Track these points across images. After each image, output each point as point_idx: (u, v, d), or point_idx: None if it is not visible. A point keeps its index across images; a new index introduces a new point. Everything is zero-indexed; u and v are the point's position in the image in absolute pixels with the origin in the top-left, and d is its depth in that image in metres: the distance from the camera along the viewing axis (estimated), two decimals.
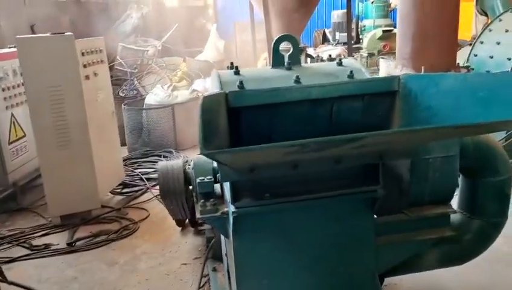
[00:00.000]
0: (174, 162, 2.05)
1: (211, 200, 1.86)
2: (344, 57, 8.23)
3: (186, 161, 2.09)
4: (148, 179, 4.45)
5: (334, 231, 1.75)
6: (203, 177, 1.90)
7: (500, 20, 4.28)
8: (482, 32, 4.37)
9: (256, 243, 1.73)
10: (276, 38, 1.80)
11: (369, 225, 1.78)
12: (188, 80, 7.03)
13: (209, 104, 1.15)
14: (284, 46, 1.87)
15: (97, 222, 3.59)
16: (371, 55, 11.85)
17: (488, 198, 2.04)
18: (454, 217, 2.05)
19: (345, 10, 13.12)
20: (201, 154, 1.10)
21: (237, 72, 1.74)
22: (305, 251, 1.74)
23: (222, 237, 2.22)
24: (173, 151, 5.35)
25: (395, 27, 12.48)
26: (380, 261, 1.87)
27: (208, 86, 6.73)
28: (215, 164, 1.90)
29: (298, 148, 1.05)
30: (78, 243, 3.28)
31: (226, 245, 2.07)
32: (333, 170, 1.61)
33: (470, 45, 4.65)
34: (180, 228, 3.39)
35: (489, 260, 2.67)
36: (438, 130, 1.09)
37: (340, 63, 1.82)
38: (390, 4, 13.82)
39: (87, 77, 3.52)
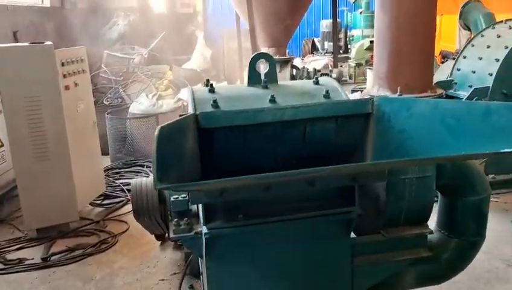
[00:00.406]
0: (148, 180, 2.00)
1: (185, 219, 1.82)
2: (331, 67, 8.27)
3: None
4: (129, 191, 4.37)
5: (309, 253, 1.72)
6: (177, 196, 1.86)
7: (482, 36, 4.32)
8: (465, 47, 4.40)
9: (229, 265, 1.69)
10: (252, 56, 1.77)
11: (345, 246, 1.75)
12: (174, 89, 6.99)
13: (165, 135, 1.12)
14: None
15: (75, 235, 3.52)
16: (358, 65, 11.97)
17: (466, 217, 2.03)
18: (433, 236, 2.04)
19: None
20: (156, 188, 1.06)
21: (212, 90, 1.71)
22: (279, 273, 1.71)
23: None
24: None
25: None
26: (356, 282, 1.84)
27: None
28: None
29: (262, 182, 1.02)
30: (53, 257, 3.20)
31: (201, 265, 2.03)
32: (308, 191, 1.58)
33: (454, 58, 4.69)
34: (160, 242, 3.34)
35: (470, 278, 2.68)
36: (402, 163, 1.07)
37: (316, 82, 1.80)
38: None
39: (67, 87, 3.46)
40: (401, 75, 1.61)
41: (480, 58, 4.10)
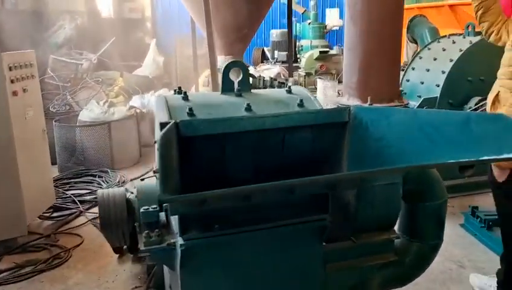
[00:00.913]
0: (115, 190, 1.92)
1: (156, 230, 1.76)
2: (284, 76, 8.40)
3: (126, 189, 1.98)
4: (81, 202, 4.18)
5: (285, 261, 1.72)
6: (147, 207, 1.80)
7: (429, 49, 4.59)
8: (413, 59, 4.65)
9: (205, 276, 1.66)
10: (226, 64, 1.76)
11: (319, 253, 1.77)
12: (126, 96, 6.78)
13: (165, 143, 1.08)
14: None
15: (24, 251, 3.29)
16: (308, 74, 12.28)
17: (426, 221, 2.13)
18: (396, 241, 2.11)
19: (284, 29, 13.48)
20: (160, 201, 1.01)
21: (185, 98, 1.67)
22: (256, 282, 1.70)
23: (165, 267, 2.12)
24: (109, 170, 5.09)
25: (331, 48, 13.08)
26: (329, 288, 1.87)
27: (146, 102, 6.54)
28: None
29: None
30: (0, 275, 2.97)
31: (171, 277, 1.97)
32: (284, 200, 1.59)
33: (402, 70, 4.94)
34: (118, 255, 3.20)
35: (428, 279, 2.80)
36: (383, 171, 1.11)
37: (289, 91, 1.82)
38: (326, 26, 14.48)
39: (14, 93, 3.25)
40: (371, 85, 1.66)
41: (428, 70, 4.35)
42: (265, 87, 5.28)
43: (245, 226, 1.62)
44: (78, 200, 4.16)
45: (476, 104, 3.97)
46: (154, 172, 1.71)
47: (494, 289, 2.79)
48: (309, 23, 14.81)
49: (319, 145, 1.55)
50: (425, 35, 5.12)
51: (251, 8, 4.67)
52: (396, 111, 1.31)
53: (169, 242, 1.69)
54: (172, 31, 9.10)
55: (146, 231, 1.76)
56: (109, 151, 5.30)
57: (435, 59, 4.34)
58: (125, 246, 3.14)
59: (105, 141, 5.25)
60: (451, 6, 7.38)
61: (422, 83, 4.31)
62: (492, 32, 2.58)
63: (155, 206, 1.80)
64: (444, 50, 4.34)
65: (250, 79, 5.35)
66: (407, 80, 4.56)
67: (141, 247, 1.73)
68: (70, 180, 4.82)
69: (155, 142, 1.49)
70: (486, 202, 3.72)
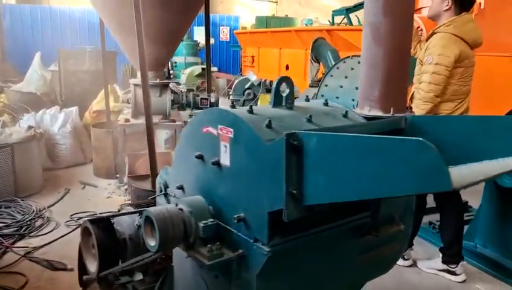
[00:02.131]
0: (167, 207, 1.82)
1: (217, 243, 1.78)
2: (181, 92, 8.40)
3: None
4: (2, 236, 3.62)
5: (337, 256, 1.91)
6: (206, 221, 1.79)
7: (338, 68, 5.21)
8: (325, 77, 5.22)
9: (280, 281, 1.75)
10: (277, 80, 1.88)
11: (359, 247, 2.01)
12: (13, 114, 5.99)
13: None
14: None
15: None
16: (189, 90, 12.44)
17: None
18: None
19: None
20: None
21: (251, 111, 1.74)
22: (318, 277, 1.84)
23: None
24: (18, 199, 4.47)
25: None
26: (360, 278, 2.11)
27: (40, 121, 5.87)
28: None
29: None
30: None
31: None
32: None
33: (312, 86, 5.50)
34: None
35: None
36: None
37: (326, 104, 2.03)
38: (199, 44, 14.87)
39: None
40: (391, 99, 1.96)
41: (341, 86, 4.95)
42: (188, 102, 5.30)
43: (313, 227, 1.76)
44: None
45: None
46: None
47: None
48: (182, 41, 15.01)
49: None
50: (328, 56, 5.78)
51: (175, 23, 4.67)
52: (453, 119, 1.63)
53: (239, 253, 1.74)
54: (56, 44, 8.34)
55: (209, 245, 1.77)
56: (12, 177, 4.64)
57: (346, 77, 4.97)
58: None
59: (7, 166, 4.58)
60: (328, 30, 8.38)
61: (338, 97, 4.88)
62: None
63: (212, 220, 1.81)
64: (352, 69, 4.99)
65: (172, 95, 5.33)
66: (322, 95, 5.10)
67: (205, 261, 1.73)
68: None
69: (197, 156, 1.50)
70: None
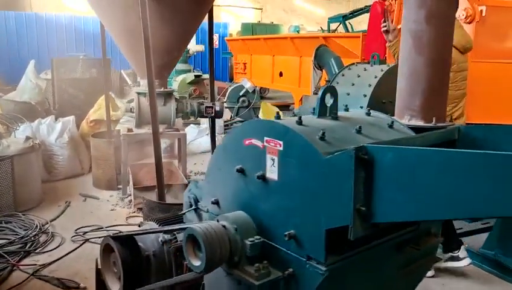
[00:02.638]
0: (211, 223, 1.73)
1: (264, 262, 1.69)
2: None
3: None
4: (7, 253, 3.45)
5: (387, 269, 1.85)
6: (252, 239, 1.71)
7: (343, 75, 5.19)
8: (330, 84, 5.19)
9: None
10: (323, 88, 1.81)
11: (404, 259, 1.95)
12: (7, 125, 5.78)
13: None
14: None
15: None
16: (182, 98, 12.34)
17: None
18: None
19: None
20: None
21: (300, 122, 1.67)
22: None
23: None
24: (19, 213, 4.29)
25: (198, 72, 13.43)
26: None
27: (36, 132, 5.69)
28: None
29: None
30: None
31: None
32: None
33: (316, 93, 5.46)
34: None
35: None
36: None
37: (369, 113, 1.97)
38: (189, 51, 14.80)
39: None
40: (433, 108, 1.92)
41: (348, 94, 4.92)
42: (193, 111, 5.20)
43: (364, 244, 1.69)
44: (4, 252, 3.42)
45: None
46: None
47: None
48: None
49: None
50: (331, 63, 5.75)
51: (180, 31, 4.59)
52: (508, 128, 1.58)
53: (289, 272, 1.66)
54: (43, 51, 8.13)
55: (256, 264, 1.68)
56: (12, 191, 4.46)
57: (352, 84, 4.94)
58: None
59: (7, 179, 4.40)
60: (325, 38, 8.39)
61: (346, 105, 4.83)
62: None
63: (258, 237, 1.73)
64: (358, 76, 4.97)
65: (176, 103, 5.23)
66: None
67: (254, 281, 1.65)
68: None
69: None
70: None
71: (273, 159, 1.68)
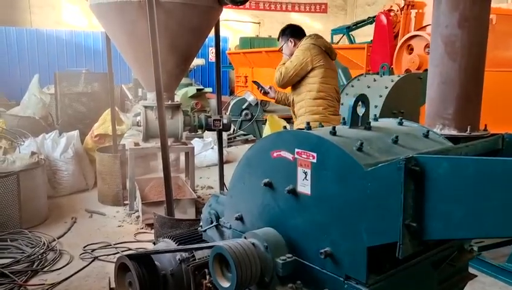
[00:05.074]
0: (239, 241, 1.62)
1: (298, 282, 1.59)
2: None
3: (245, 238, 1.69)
4: (13, 273, 3.32)
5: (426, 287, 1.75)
6: (284, 257, 1.61)
7: (353, 86, 5.13)
8: (341, 93, 5.12)
9: None
10: (355, 98, 1.72)
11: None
12: (12, 140, 5.68)
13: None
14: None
15: None
16: (185, 112, 12.28)
17: None
18: None
19: None
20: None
21: (333, 133, 1.58)
22: None
23: None
24: (25, 231, 4.16)
25: (198, 85, 13.40)
26: None
27: (41, 147, 5.59)
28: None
29: None
30: None
31: None
32: None
33: None
34: None
35: None
36: None
37: (401, 123, 1.89)
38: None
39: None
40: (467, 116, 1.84)
41: None
42: (200, 124, 5.12)
43: (404, 262, 1.59)
44: (9, 272, 3.30)
45: None
46: None
47: None
48: None
49: None
50: (339, 74, 5.70)
51: (187, 44, 4.53)
52: None
53: None
54: (44, 66, 8.08)
55: (290, 285, 1.58)
56: (17, 208, 4.34)
57: None
58: None
59: (13, 195, 4.29)
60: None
61: (375, 115, 4.77)
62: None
63: (290, 255, 1.63)
64: (368, 87, 4.91)
65: (184, 117, 5.14)
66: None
67: None
68: None
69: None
70: None
71: (305, 172, 1.58)
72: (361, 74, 5.30)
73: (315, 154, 1.54)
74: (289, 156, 1.64)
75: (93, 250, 3.88)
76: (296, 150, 1.61)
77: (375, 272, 1.49)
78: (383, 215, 1.32)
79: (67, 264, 3.64)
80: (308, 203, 1.58)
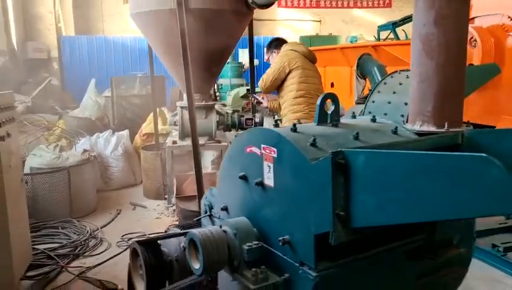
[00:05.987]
0: (211, 228, 1.81)
1: (262, 267, 1.72)
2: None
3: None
4: (58, 256, 3.75)
5: (390, 281, 1.79)
6: (250, 244, 1.75)
7: (385, 84, 5.06)
8: (372, 93, 5.09)
9: None
10: (322, 96, 1.82)
11: (414, 270, 1.88)
12: (70, 139, 6.30)
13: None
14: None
15: None
16: (235, 111, 12.60)
17: None
18: None
19: None
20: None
21: (294, 130, 1.70)
22: None
23: None
24: (74, 220, 4.64)
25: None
26: None
27: (94, 145, 6.13)
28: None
29: None
30: None
31: None
32: None
33: (358, 103, 5.38)
34: None
35: None
36: None
37: (374, 120, 1.95)
38: (244, 65, 15.09)
39: (2, 138, 2.89)
40: (445, 113, 1.85)
41: (389, 102, 4.79)
42: (233, 123, 5.34)
43: (363, 251, 1.66)
44: (55, 255, 3.73)
45: None
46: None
47: None
48: (228, 63, 15.30)
49: None
50: (374, 71, 5.64)
51: (219, 45, 4.75)
52: None
53: (285, 277, 1.67)
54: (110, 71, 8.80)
55: (254, 269, 1.71)
56: (68, 199, 4.84)
57: (394, 92, 4.81)
58: None
59: (64, 188, 4.80)
60: (374, 46, 8.22)
61: (386, 114, 4.73)
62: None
63: (256, 242, 1.76)
64: (400, 84, 4.83)
65: (217, 116, 5.37)
66: (369, 112, 4.96)
67: (251, 285, 1.68)
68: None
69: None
70: None
71: (269, 166, 1.72)
72: (395, 71, 5.20)
73: (275, 150, 1.67)
74: (258, 151, 1.78)
75: (129, 239, 4.23)
76: (262, 145, 1.74)
77: (327, 259, 1.58)
78: (321, 205, 1.42)
79: (105, 250, 4.02)
80: (272, 195, 1.72)
